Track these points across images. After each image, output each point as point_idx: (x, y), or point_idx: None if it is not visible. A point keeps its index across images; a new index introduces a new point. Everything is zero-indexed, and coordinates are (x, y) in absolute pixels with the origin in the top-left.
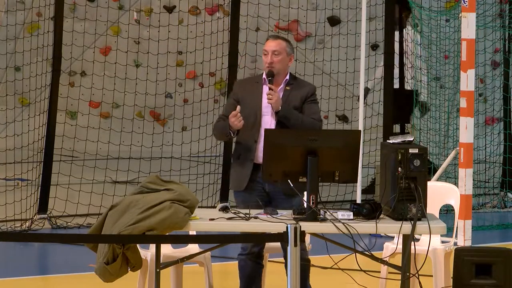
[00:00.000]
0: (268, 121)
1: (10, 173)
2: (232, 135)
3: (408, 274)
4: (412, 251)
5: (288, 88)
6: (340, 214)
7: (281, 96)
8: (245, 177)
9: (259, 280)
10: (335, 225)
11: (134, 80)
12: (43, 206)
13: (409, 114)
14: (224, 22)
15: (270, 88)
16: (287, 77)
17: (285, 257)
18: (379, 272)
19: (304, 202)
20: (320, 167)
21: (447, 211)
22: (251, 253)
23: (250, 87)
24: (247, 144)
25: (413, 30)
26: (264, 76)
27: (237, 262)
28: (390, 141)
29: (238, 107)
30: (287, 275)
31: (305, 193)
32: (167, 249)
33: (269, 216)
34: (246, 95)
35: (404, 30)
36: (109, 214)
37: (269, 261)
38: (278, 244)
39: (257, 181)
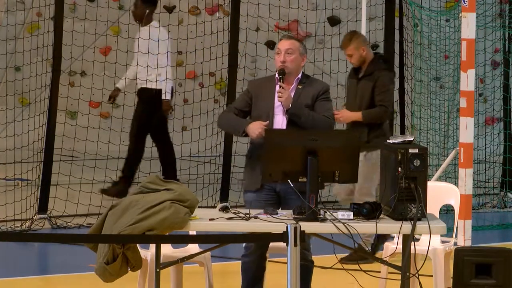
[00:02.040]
0: (280, 121)
1: (10, 173)
2: (241, 135)
3: (408, 274)
4: (412, 251)
5: (300, 86)
6: (340, 214)
7: (292, 95)
8: (258, 178)
9: (262, 282)
10: (335, 225)
11: (134, 80)
12: (43, 206)
13: (163, 118)
14: (224, 22)
15: (280, 86)
16: (299, 76)
17: None
18: (379, 272)
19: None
20: (320, 167)
21: (447, 211)
22: (254, 254)
23: (264, 87)
24: (258, 145)
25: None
26: (276, 75)
27: (237, 262)
28: (390, 141)
29: (267, 123)
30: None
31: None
32: (167, 249)
33: (269, 216)
34: (259, 95)
35: (404, 30)
36: (109, 214)
37: (269, 261)
38: (278, 244)
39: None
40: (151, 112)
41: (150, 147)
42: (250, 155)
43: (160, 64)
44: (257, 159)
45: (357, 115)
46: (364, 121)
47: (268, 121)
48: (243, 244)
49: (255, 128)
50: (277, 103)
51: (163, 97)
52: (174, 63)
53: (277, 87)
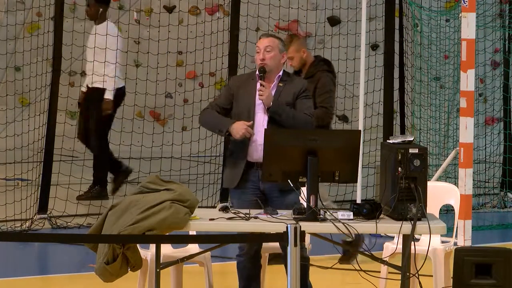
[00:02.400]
0: (261, 119)
1: (10, 173)
2: (224, 134)
3: (408, 274)
4: (412, 251)
5: (281, 84)
6: (340, 214)
7: (273, 93)
8: (237, 175)
9: (258, 280)
10: (335, 225)
11: (134, 80)
12: (43, 206)
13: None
14: (224, 22)
15: (261, 84)
16: (280, 73)
17: (285, 257)
18: (379, 272)
19: (301, 198)
20: (320, 167)
21: (447, 211)
22: (248, 253)
23: (245, 84)
24: (241, 142)
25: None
26: (256, 72)
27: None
28: (390, 141)
29: (251, 123)
30: (287, 275)
31: (303, 188)
32: (167, 249)
33: (269, 216)
34: (240, 92)
35: (404, 30)
36: (109, 214)
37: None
38: (277, 244)
39: (251, 179)
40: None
41: (150, 147)
42: (231, 153)
43: (109, 64)
44: (239, 158)
45: None
46: None
47: (252, 121)
48: (238, 244)
49: (239, 128)
50: (258, 101)
51: (105, 96)
52: (124, 62)
53: (258, 85)
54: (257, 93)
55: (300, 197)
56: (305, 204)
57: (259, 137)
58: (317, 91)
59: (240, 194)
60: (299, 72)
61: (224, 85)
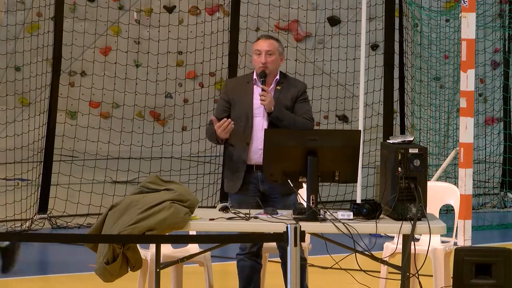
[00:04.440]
0: (260, 123)
1: (10, 173)
2: (221, 142)
3: (408, 274)
4: (412, 251)
5: (278, 88)
6: (340, 214)
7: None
8: (239, 180)
9: (258, 279)
10: (335, 225)
11: (134, 80)
12: (43, 206)
13: None
14: (224, 22)
15: (262, 89)
16: (277, 76)
17: (282, 257)
18: (379, 272)
19: (300, 199)
20: (320, 167)
21: (447, 211)
22: (250, 252)
23: (241, 87)
24: (239, 147)
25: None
26: (255, 76)
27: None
28: (390, 141)
29: (228, 121)
30: (283, 275)
31: (302, 190)
32: (167, 249)
33: (269, 216)
34: (237, 96)
35: (404, 30)
36: (109, 214)
37: (269, 261)
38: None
39: (251, 182)
40: None
41: (150, 147)
42: (230, 158)
43: None
44: (239, 162)
45: None
46: None
47: (225, 120)
48: (239, 244)
49: (219, 130)
50: (256, 104)
51: None
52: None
53: (257, 89)
54: (256, 97)
55: (299, 197)
56: (304, 204)
57: (258, 140)
58: None
59: (240, 197)
60: None
61: (222, 89)
